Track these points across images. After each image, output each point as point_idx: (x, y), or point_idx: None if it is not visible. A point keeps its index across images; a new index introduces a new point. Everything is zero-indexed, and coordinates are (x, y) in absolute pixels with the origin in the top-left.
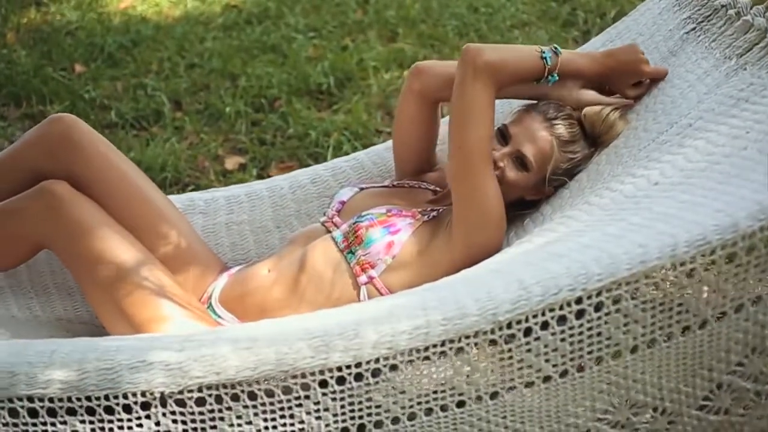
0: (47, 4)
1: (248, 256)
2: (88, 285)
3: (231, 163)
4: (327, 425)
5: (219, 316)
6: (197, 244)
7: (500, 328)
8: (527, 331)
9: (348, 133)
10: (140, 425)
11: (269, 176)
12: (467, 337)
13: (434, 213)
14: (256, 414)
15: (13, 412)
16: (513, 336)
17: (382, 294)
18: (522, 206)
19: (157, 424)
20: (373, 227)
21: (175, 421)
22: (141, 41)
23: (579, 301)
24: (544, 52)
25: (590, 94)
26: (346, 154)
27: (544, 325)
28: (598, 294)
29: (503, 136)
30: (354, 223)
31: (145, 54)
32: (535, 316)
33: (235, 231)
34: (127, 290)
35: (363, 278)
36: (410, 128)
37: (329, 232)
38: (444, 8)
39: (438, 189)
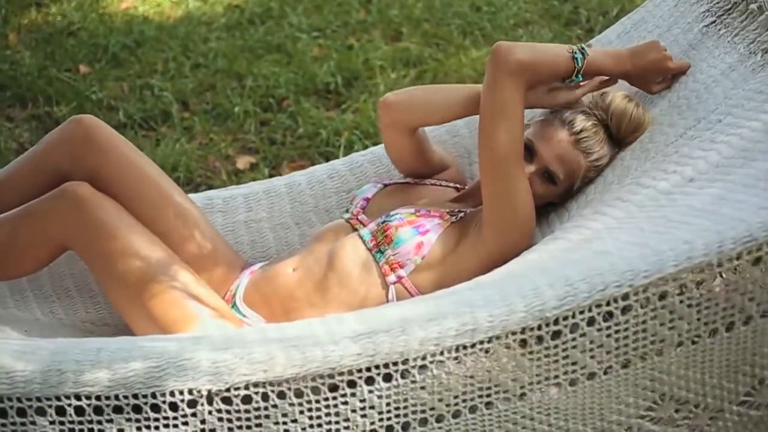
0: (47, 5)
1: (268, 253)
2: (113, 286)
3: (242, 162)
4: (372, 423)
5: (244, 315)
6: (219, 243)
7: (547, 324)
8: (573, 327)
9: (359, 132)
10: (186, 423)
11: (282, 175)
12: (513, 333)
13: (462, 214)
14: (301, 412)
15: (60, 410)
16: (559, 333)
17: (411, 293)
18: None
19: (203, 422)
20: (402, 227)
21: (221, 419)
22: (144, 41)
23: (626, 297)
24: (575, 53)
25: (562, 95)
26: (357, 151)
27: (591, 321)
28: (645, 290)
29: (528, 150)
30: (383, 223)
31: (149, 54)
32: (581, 312)
33: (254, 229)
34: (153, 291)
35: (392, 278)
36: (400, 155)
37: (355, 229)
38: (447, 7)
39: (459, 186)
